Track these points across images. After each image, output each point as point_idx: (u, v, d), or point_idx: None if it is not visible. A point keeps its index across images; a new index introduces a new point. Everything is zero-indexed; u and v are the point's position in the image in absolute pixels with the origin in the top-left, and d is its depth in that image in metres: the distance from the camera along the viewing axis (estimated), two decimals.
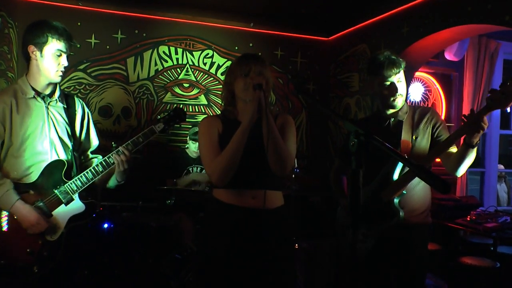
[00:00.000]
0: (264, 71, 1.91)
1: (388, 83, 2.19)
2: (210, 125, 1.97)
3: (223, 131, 1.95)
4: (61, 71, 2.10)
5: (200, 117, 4.52)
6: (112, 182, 2.26)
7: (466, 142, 1.96)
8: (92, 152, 2.37)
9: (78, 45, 2.17)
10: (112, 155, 2.14)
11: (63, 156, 2.15)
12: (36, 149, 2.08)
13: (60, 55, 2.07)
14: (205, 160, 1.92)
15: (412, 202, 2.19)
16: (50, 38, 2.03)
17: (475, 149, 1.98)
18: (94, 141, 2.37)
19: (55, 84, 2.17)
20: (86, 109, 2.34)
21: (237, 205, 1.88)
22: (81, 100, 2.33)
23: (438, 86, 5.02)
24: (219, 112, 2.09)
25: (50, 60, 2.06)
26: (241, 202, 1.88)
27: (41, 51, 2.05)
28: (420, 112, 2.27)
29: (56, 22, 2.09)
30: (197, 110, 4.56)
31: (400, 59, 2.21)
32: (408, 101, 4.68)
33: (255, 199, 1.88)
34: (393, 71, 2.17)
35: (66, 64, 2.10)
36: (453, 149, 2.13)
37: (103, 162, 2.14)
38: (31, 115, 2.08)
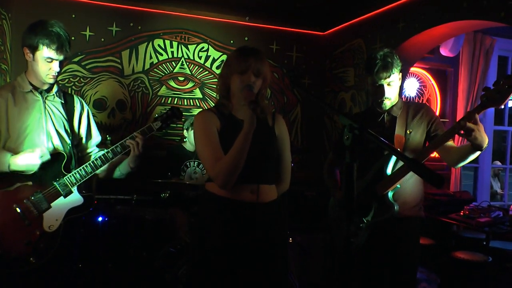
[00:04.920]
0: (262, 69, 1.89)
1: (377, 84, 2.21)
2: (207, 122, 1.91)
3: (222, 128, 1.92)
4: (53, 75, 2.10)
5: (195, 111, 4.51)
6: (124, 170, 2.29)
7: (475, 145, 1.91)
8: (97, 146, 2.42)
9: (68, 53, 2.13)
10: (111, 150, 2.19)
11: (59, 148, 2.17)
12: (33, 142, 2.11)
13: (51, 61, 2.06)
14: (207, 162, 1.86)
15: (405, 195, 2.21)
16: (40, 45, 2.03)
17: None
18: (96, 137, 2.41)
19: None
20: (86, 106, 2.37)
21: (233, 199, 1.88)
22: (80, 98, 2.36)
23: (433, 81, 5.03)
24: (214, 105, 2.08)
25: (41, 64, 2.07)
26: (236, 196, 1.88)
27: (33, 54, 2.07)
28: (414, 108, 2.30)
29: (54, 26, 2.05)
30: (192, 104, 4.55)
31: (396, 61, 2.21)
32: (403, 96, 4.70)
33: (251, 193, 1.89)
34: (384, 75, 2.18)
35: (57, 69, 2.09)
36: (451, 143, 2.14)
37: (102, 157, 2.18)
38: (28, 108, 2.11)
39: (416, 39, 3.67)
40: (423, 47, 3.86)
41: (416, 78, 4.97)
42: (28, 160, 2.02)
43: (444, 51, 4.69)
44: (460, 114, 4.89)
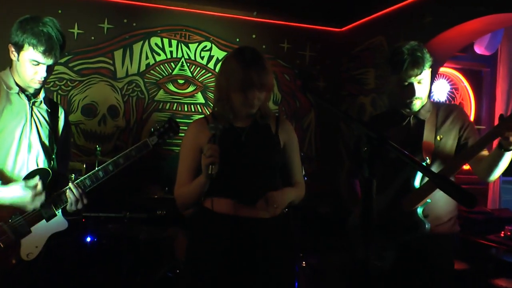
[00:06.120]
0: (266, 80, 1.89)
1: (406, 83, 2.17)
2: (195, 140, 1.99)
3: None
4: (38, 80, 2.06)
5: (197, 118, 4.51)
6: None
7: (502, 145, 1.91)
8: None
9: (58, 58, 2.09)
10: (102, 169, 2.13)
11: (41, 162, 2.14)
12: (11, 150, 2.06)
13: (37, 65, 2.03)
14: (177, 179, 2.03)
15: (437, 209, 2.15)
16: (26, 45, 2.00)
17: None
18: (68, 160, 2.37)
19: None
20: (69, 122, 2.36)
21: (232, 215, 1.91)
22: (64, 109, 2.34)
23: (466, 83, 4.99)
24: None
25: (25, 67, 2.03)
26: (235, 212, 1.91)
27: (18, 54, 2.04)
28: (445, 110, 2.25)
29: (46, 25, 2.02)
30: (193, 110, 4.56)
31: (427, 56, 2.16)
32: (431, 99, 4.65)
33: (250, 208, 1.91)
34: (414, 72, 2.13)
35: (44, 75, 2.05)
36: (484, 152, 2.10)
37: (92, 176, 2.12)
38: (13, 112, 2.08)
39: (446, 36, 3.64)
40: (454, 45, 3.83)
41: (447, 80, 4.93)
42: (17, 193, 1.98)
43: (479, 49, 4.64)
44: (498, 120, 4.82)
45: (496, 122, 5.15)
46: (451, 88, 4.95)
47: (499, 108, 4.82)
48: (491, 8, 3.18)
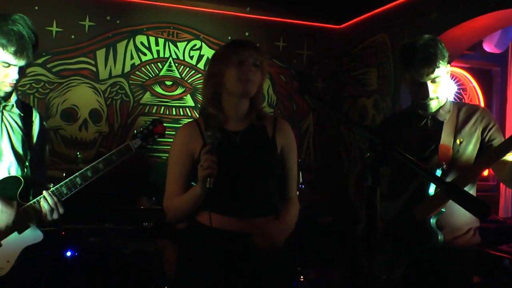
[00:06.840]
0: (262, 62, 1.93)
1: (419, 82, 2.15)
2: (185, 145, 1.98)
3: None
4: (10, 83, 2.06)
5: (186, 122, 4.51)
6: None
7: None
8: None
9: (31, 58, 2.07)
10: (80, 175, 2.12)
11: (13, 171, 2.13)
12: None
13: (7, 67, 2.02)
14: (166, 189, 2.00)
15: (454, 219, 2.13)
16: None
17: None
18: (44, 168, 2.34)
19: None
20: (45, 125, 2.34)
21: (225, 230, 1.90)
22: (39, 113, 2.32)
23: (475, 83, 5.02)
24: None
25: None
26: (229, 227, 1.90)
27: None
28: (466, 111, 2.22)
29: (17, 24, 2.00)
30: (182, 114, 4.54)
31: (442, 52, 2.11)
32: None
33: (245, 222, 1.91)
34: (425, 71, 2.10)
35: (16, 77, 2.05)
36: (510, 156, 2.08)
37: (69, 184, 2.11)
38: None
39: (453, 33, 3.65)
40: (462, 42, 3.85)
41: (454, 80, 4.94)
42: None
43: (488, 47, 4.66)
44: (510, 122, 4.83)
45: (508, 125, 5.19)
46: (458, 89, 4.97)
47: (511, 110, 4.84)
48: (502, 3, 3.20)
